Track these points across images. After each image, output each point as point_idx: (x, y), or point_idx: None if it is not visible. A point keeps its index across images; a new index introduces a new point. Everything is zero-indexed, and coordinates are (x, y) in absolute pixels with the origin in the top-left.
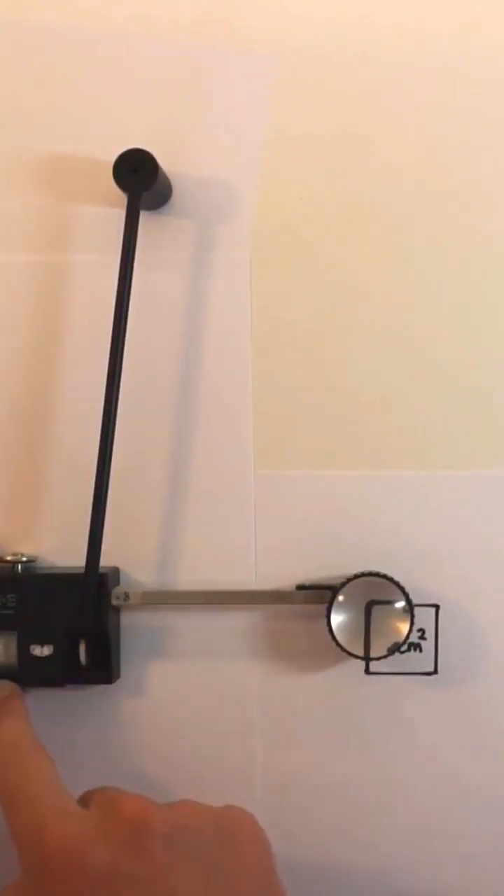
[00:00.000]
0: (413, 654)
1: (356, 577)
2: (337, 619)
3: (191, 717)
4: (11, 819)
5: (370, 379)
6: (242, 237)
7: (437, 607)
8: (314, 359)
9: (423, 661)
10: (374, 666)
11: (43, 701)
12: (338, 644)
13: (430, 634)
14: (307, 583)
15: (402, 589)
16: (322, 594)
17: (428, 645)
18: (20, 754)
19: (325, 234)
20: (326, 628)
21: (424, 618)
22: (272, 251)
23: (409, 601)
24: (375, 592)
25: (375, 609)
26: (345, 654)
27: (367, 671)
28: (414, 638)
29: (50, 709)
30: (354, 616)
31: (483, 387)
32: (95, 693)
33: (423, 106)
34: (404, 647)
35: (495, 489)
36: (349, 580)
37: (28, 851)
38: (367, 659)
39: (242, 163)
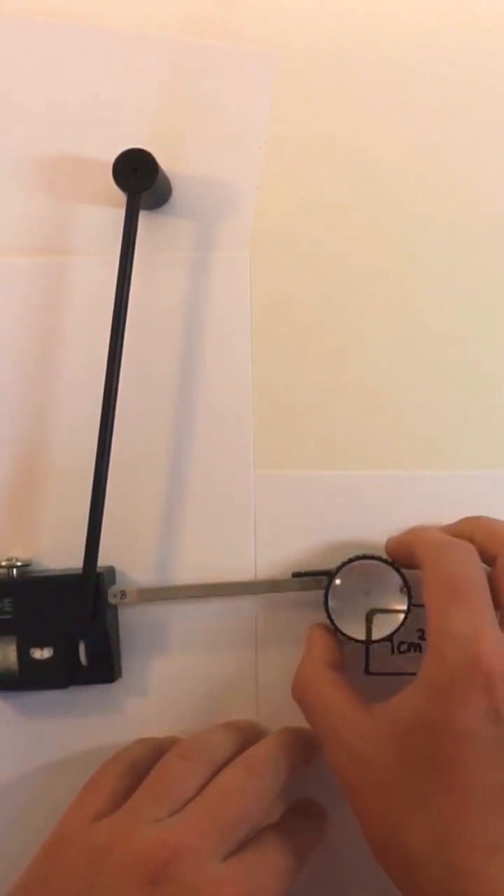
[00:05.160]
0: (413, 654)
1: (352, 560)
2: (335, 604)
3: (193, 711)
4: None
5: (370, 379)
6: (242, 236)
7: None
8: (314, 358)
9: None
10: (373, 666)
11: (46, 703)
12: (336, 628)
13: None
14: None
15: (398, 570)
16: (319, 580)
17: None
18: None
19: (325, 234)
20: (325, 614)
21: (424, 618)
22: (272, 251)
23: (405, 582)
24: (372, 577)
25: (373, 593)
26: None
27: (366, 671)
28: (414, 638)
29: (53, 711)
30: (352, 601)
31: (483, 387)
32: (98, 693)
33: (423, 106)
34: (404, 647)
35: (495, 489)
36: (345, 563)
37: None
38: (367, 642)
39: (242, 163)
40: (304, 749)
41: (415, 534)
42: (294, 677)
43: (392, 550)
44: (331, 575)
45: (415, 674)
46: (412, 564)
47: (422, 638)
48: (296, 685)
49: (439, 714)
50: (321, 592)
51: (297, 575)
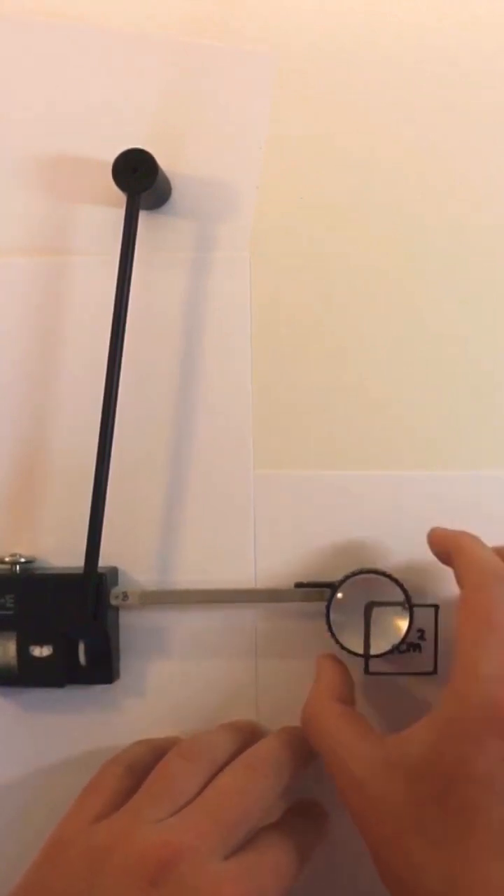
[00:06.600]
0: (413, 654)
1: (355, 573)
2: (336, 616)
3: (191, 716)
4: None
5: (370, 379)
6: (242, 236)
7: (436, 607)
8: (314, 358)
9: (422, 661)
10: (373, 665)
11: (43, 701)
12: (337, 642)
13: (429, 634)
14: (306, 581)
15: (402, 586)
16: (321, 592)
17: (428, 645)
18: None
19: (325, 234)
20: (326, 626)
21: (424, 618)
22: (272, 251)
23: (408, 599)
24: (375, 591)
25: (375, 607)
26: (344, 654)
27: (366, 671)
28: (413, 638)
29: (50, 709)
30: (354, 614)
31: (483, 387)
32: (95, 693)
33: (423, 105)
34: (404, 647)
35: (495, 489)
36: (348, 577)
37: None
38: (366, 657)
39: (242, 163)
40: (305, 749)
41: (463, 544)
42: (302, 711)
43: (435, 541)
44: (333, 587)
45: (414, 674)
46: (445, 561)
47: (421, 638)
48: (304, 720)
49: (455, 754)
50: (322, 603)
51: (299, 585)
